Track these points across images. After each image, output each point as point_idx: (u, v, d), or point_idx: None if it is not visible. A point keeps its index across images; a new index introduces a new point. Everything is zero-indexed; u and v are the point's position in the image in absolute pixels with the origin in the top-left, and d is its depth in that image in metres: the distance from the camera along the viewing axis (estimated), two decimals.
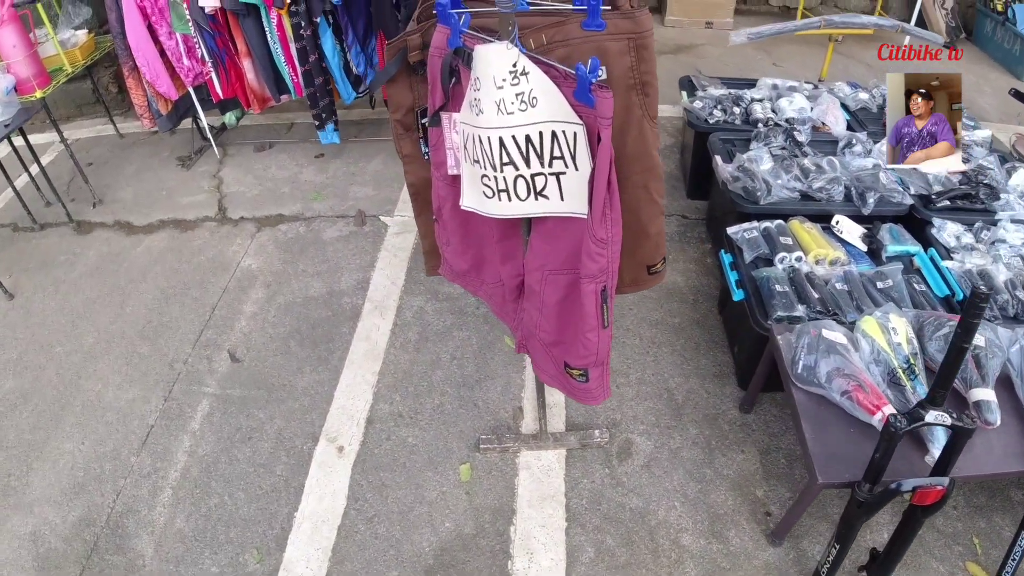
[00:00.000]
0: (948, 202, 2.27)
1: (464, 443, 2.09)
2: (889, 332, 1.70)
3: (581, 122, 1.11)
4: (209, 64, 3.05)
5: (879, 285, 1.95)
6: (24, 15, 2.89)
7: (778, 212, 2.24)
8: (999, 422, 1.60)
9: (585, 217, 1.21)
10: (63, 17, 3.20)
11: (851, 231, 2.17)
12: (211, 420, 2.20)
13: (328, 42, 2.97)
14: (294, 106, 3.76)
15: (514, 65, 1.09)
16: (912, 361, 1.67)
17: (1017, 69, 4.34)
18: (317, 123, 3.22)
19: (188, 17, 2.85)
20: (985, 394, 1.63)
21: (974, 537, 1.82)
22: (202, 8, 2.80)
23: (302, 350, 2.44)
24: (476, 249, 1.58)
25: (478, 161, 1.24)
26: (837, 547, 1.55)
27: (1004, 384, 1.71)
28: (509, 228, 1.44)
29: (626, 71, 1.26)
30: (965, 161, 2.46)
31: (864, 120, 2.82)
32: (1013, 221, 2.21)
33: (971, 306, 1.22)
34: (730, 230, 2.20)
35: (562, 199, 1.21)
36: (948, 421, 1.35)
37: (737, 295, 2.01)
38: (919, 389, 1.62)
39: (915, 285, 2.00)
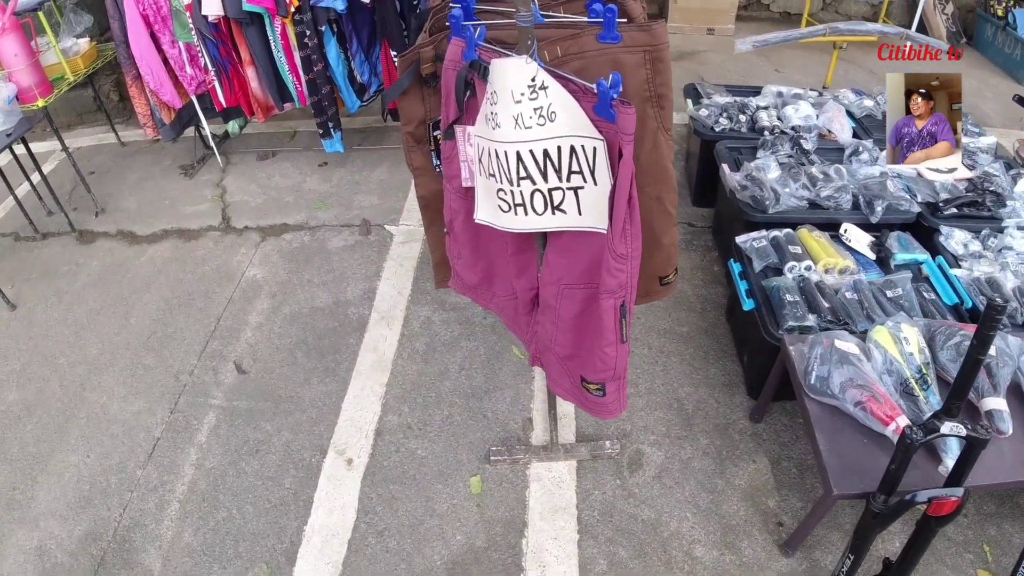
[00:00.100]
0: (955, 209, 2.27)
1: (474, 455, 2.08)
2: (901, 342, 1.70)
3: (601, 137, 1.10)
4: (212, 73, 3.05)
5: (889, 294, 1.95)
6: (26, 23, 2.88)
7: (786, 221, 2.24)
8: (1011, 431, 1.60)
9: (603, 231, 1.20)
10: (64, 25, 3.19)
11: (859, 239, 2.17)
12: (218, 432, 2.19)
13: (332, 50, 2.97)
14: (296, 114, 3.76)
15: (533, 79, 1.08)
16: (924, 371, 1.67)
17: (1018, 74, 4.35)
18: (322, 132, 3.21)
19: (191, 26, 2.84)
20: (997, 403, 1.63)
21: (985, 544, 1.82)
22: (205, 16, 2.79)
23: (309, 361, 2.42)
24: (487, 262, 1.57)
25: (494, 175, 1.23)
26: (852, 558, 1.54)
27: (1014, 392, 1.71)
28: (524, 241, 1.43)
29: (641, 83, 1.26)
30: (970, 168, 2.47)
31: (869, 127, 2.82)
32: (1020, 228, 2.23)
33: (987, 318, 1.22)
34: (739, 239, 2.20)
35: (580, 213, 1.20)
36: (963, 432, 1.35)
37: (747, 305, 2.01)
38: (932, 399, 1.63)
39: (924, 294, 2.00)
